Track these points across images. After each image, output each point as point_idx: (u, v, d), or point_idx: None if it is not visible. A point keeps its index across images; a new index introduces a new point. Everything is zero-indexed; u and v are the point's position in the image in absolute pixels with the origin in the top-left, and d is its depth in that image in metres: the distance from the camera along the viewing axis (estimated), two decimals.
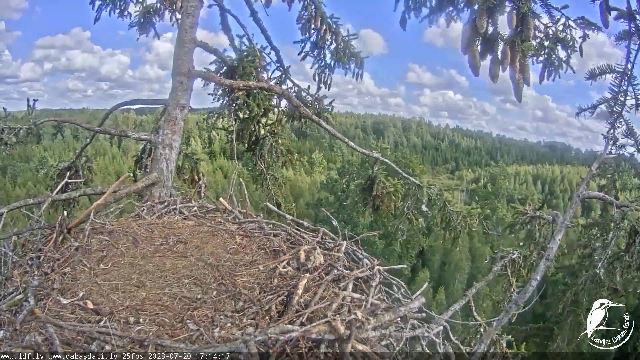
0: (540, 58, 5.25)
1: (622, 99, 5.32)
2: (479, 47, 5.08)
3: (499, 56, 5.05)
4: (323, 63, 8.05)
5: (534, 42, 5.09)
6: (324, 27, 7.62)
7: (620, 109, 5.38)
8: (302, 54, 7.98)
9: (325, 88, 8.23)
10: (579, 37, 5.16)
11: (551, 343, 6.78)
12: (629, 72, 5.17)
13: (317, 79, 8.15)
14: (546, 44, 5.19)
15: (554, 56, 5.23)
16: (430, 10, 5.39)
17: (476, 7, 4.90)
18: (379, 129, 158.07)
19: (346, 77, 8.10)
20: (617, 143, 5.89)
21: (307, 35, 7.78)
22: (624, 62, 5.12)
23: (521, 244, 6.44)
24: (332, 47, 7.85)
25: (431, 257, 49.47)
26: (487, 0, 4.80)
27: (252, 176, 8.33)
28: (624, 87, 5.24)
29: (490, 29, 5.00)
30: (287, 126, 8.40)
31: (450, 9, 5.25)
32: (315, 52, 7.96)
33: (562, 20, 5.13)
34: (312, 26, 7.64)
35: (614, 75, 5.20)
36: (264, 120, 7.77)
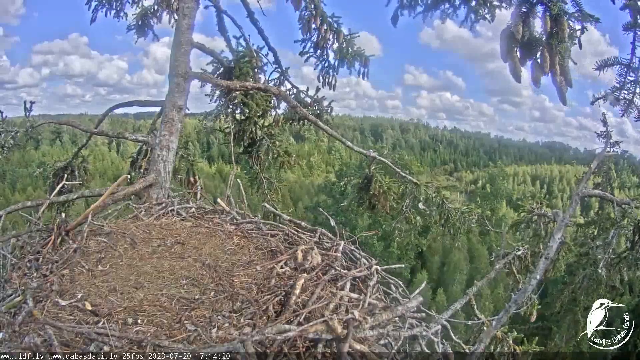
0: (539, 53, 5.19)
1: (632, 88, 5.25)
2: (518, 54, 5.03)
3: (539, 61, 5.01)
4: (327, 64, 8.00)
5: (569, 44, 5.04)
6: (325, 26, 7.58)
7: (632, 96, 5.33)
8: (305, 55, 7.90)
9: (330, 89, 8.18)
10: (577, 30, 5.09)
11: (550, 342, 6.78)
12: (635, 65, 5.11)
13: (321, 80, 8.09)
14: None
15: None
16: (425, 7, 5.34)
17: (473, 3, 4.87)
18: (377, 132, 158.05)
19: (344, 79, 8.06)
20: (611, 141, 5.90)
21: (309, 35, 7.72)
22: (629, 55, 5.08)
23: (529, 239, 6.43)
24: (335, 46, 7.80)
25: (430, 259, 49.42)
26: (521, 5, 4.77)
27: (249, 180, 8.30)
28: (630, 79, 5.19)
29: (527, 35, 4.95)
30: (285, 129, 8.38)
31: (447, 5, 5.21)
32: (317, 53, 7.91)
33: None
34: (313, 26, 7.59)
35: (619, 67, 5.15)
36: (261, 121, 7.76)
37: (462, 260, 47.68)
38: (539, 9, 4.83)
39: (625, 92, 5.21)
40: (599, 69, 5.03)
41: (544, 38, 4.91)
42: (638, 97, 5.28)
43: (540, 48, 4.94)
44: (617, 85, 5.17)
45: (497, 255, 5.98)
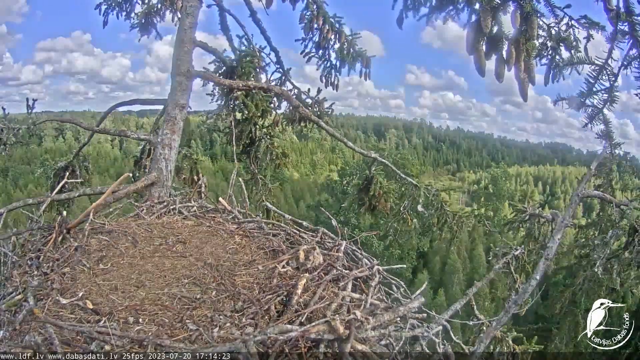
0: (544, 60, 5.11)
1: (605, 96, 5.15)
2: (484, 47, 5.01)
3: (504, 55, 4.99)
4: (328, 64, 7.92)
5: (536, 42, 4.98)
6: (327, 26, 7.54)
7: (602, 105, 5.18)
8: (307, 56, 7.85)
9: (333, 89, 8.07)
10: (583, 38, 5.00)
11: (550, 343, 6.75)
12: (609, 68, 5.02)
13: (323, 80, 8.04)
14: (549, 44, 5.08)
15: (557, 57, 5.07)
16: (430, 10, 5.31)
17: (477, 6, 4.85)
18: (380, 131, 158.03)
19: (347, 78, 8.03)
20: (614, 142, 5.86)
21: (310, 35, 7.68)
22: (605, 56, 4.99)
23: (522, 239, 6.42)
24: (336, 46, 7.73)
25: (432, 259, 49.42)
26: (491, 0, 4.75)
27: (246, 179, 8.29)
28: (608, 84, 5.08)
29: (495, 29, 4.92)
30: (287, 129, 8.36)
31: (450, 8, 5.18)
32: (319, 53, 7.84)
33: (565, 19, 4.96)
34: (315, 26, 7.54)
35: (593, 68, 5.04)
36: (260, 122, 7.74)
37: (460, 261, 47.69)
38: (511, 5, 4.80)
39: (597, 98, 5.13)
40: (568, 65, 4.97)
41: (512, 34, 4.89)
42: (610, 107, 5.17)
43: (507, 43, 4.92)
44: (587, 87, 5.10)
45: (496, 255, 5.96)
